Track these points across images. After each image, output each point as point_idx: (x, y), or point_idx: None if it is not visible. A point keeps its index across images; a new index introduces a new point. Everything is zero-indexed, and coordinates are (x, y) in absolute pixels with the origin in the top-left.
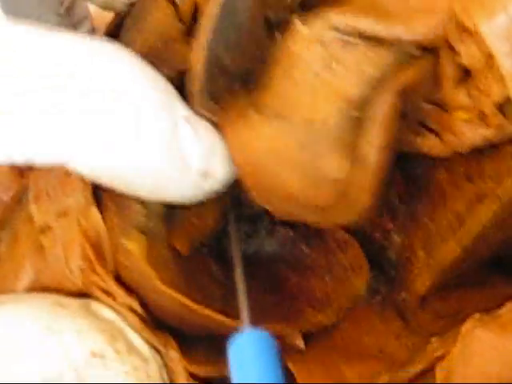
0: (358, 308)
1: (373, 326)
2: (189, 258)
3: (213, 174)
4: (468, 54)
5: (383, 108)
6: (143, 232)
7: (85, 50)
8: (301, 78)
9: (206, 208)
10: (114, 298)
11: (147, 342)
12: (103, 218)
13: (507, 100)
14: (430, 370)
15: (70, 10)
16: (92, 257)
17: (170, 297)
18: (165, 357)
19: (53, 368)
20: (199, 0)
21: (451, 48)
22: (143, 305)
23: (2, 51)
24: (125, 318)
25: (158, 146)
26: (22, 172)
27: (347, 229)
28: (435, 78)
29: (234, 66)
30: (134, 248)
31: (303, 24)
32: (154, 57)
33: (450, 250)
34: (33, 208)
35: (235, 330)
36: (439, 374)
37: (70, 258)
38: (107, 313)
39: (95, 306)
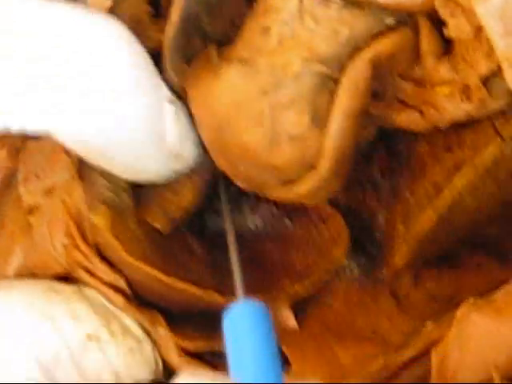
0: (350, 288)
1: (365, 305)
2: (168, 234)
3: (184, 157)
4: (456, 27)
5: (353, 74)
6: (109, 206)
7: (81, 23)
8: (271, 26)
9: (182, 185)
10: (99, 278)
11: (135, 321)
12: None
13: (492, 74)
14: (424, 354)
15: None
16: (74, 233)
17: (142, 271)
18: (154, 334)
19: (49, 353)
20: None
21: (433, 21)
22: (129, 284)
23: None
24: (108, 298)
25: (143, 121)
26: (13, 156)
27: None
28: (414, 54)
29: (211, 28)
30: (99, 222)
31: None
32: None
33: (426, 219)
34: (21, 190)
35: (215, 304)
36: (435, 358)
37: (54, 236)
38: (100, 296)
39: (88, 290)
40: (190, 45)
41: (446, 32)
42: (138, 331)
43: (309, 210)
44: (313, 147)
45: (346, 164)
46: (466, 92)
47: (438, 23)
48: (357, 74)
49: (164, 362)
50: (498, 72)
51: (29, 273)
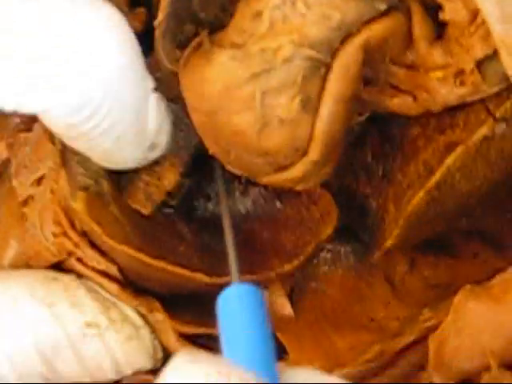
0: (346, 275)
1: (361, 292)
2: (154, 218)
3: (159, 146)
4: (453, 10)
5: (344, 59)
6: (88, 192)
7: (81, 23)
8: (263, 10)
9: (165, 169)
10: (91, 267)
11: (130, 307)
12: None
13: (487, 58)
14: (421, 341)
15: None
16: (63, 221)
17: (126, 254)
18: (151, 320)
19: (48, 340)
20: None
21: (425, 6)
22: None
23: None
24: (102, 286)
25: (130, 110)
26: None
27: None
28: (406, 39)
29: (204, 13)
30: (78, 206)
31: None
32: None
33: (417, 200)
34: (14, 182)
35: (204, 286)
36: (432, 345)
37: (44, 225)
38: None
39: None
40: (181, 30)
41: (441, 16)
42: (136, 318)
43: (299, 192)
44: (303, 131)
45: (337, 148)
46: (459, 76)
47: (429, 8)
48: (348, 58)
49: (163, 348)
50: (493, 56)
51: (24, 264)
